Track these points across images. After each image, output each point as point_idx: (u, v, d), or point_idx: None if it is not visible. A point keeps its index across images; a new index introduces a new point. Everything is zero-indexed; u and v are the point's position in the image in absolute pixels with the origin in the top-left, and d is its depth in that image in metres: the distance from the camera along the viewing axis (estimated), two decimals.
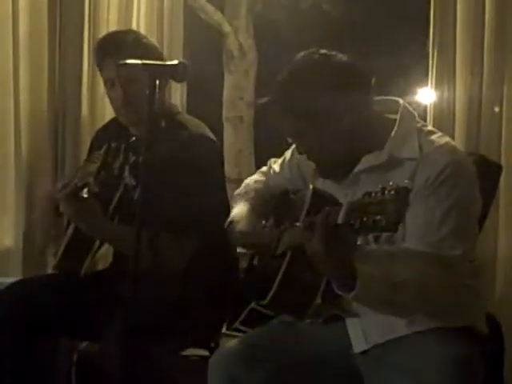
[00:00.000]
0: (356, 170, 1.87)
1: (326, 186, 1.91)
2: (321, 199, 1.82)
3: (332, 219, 1.54)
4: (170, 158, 2.14)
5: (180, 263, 2.18)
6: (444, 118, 2.86)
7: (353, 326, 1.90)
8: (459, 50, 2.83)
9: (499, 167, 2.35)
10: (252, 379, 1.84)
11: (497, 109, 2.80)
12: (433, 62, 2.90)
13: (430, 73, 2.92)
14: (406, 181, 1.43)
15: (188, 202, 2.14)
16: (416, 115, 1.91)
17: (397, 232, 1.44)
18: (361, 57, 1.90)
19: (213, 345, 2.35)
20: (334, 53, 1.84)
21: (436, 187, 1.75)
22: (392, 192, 1.39)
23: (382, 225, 1.39)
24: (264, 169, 2.31)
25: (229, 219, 2.14)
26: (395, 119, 1.86)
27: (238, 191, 2.28)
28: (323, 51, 1.84)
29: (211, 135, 2.32)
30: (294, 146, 2.14)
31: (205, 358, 2.31)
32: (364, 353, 1.86)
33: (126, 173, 2.30)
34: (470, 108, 2.82)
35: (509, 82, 2.77)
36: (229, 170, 2.42)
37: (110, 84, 2.27)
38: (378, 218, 1.39)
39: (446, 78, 2.87)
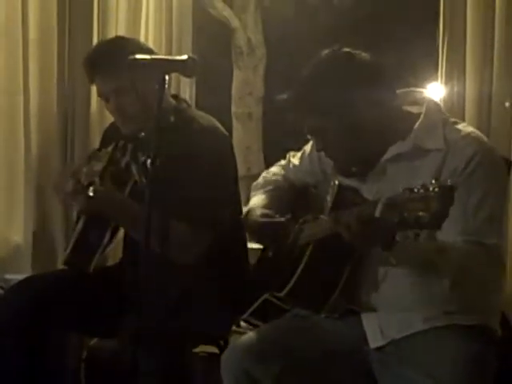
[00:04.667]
0: (382, 160, 1.85)
1: (350, 180, 1.90)
2: (345, 194, 1.82)
3: (368, 213, 1.52)
4: (182, 152, 2.12)
5: (194, 254, 2.15)
6: (454, 113, 2.83)
7: (369, 322, 1.89)
8: (469, 45, 2.81)
9: (509, 163, 2.33)
10: (266, 374, 1.82)
11: (507, 104, 2.77)
12: (443, 57, 2.88)
13: (439, 67, 2.90)
14: (449, 180, 1.42)
15: (201, 194, 2.11)
16: (441, 107, 1.91)
17: (440, 229, 1.42)
18: (370, 51, 1.89)
19: (222, 342, 2.35)
20: (357, 51, 1.84)
21: (466, 177, 1.74)
22: (436, 189, 1.37)
23: (425, 221, 1.38)
24: (282, 162, 2.29)
25: (246, 208, 2.14)
26: (420, 112, 1.85)
27: (256, 183, 2.28)
28: (346, 49, 1.84)
29: (222, 129, 2.30)
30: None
31: (214, 355, 2.31)
32: (379, 349, 1.85)
33: (134, 171, 2.28)
34: (480, 103, 2.80)
35: None
36: (238, 166, 2.40)
37: (105, 99, 2.24)
38: (421, 214, 1.38)
39: (455, 72, 2.84)
